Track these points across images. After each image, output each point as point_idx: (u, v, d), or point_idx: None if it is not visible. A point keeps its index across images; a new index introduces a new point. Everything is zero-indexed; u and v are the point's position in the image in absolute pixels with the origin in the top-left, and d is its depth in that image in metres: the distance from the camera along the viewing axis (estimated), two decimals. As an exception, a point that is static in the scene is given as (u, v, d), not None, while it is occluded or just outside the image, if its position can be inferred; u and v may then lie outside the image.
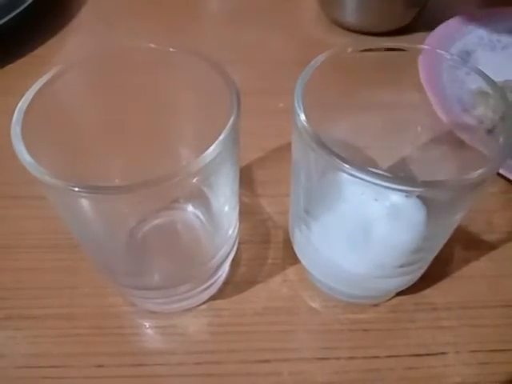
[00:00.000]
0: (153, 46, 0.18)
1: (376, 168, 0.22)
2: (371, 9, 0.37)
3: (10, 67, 0.36)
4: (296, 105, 0.17)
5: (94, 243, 0.19)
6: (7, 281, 0.23)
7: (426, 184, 0.14)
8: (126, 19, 0.41)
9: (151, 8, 0.42)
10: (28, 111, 0.16)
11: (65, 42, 0.39)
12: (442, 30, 0.34)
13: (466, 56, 0.33)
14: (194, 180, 0.15)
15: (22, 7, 0.35)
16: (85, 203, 0.16)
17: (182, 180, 0.15)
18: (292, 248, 0.23)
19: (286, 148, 0.30)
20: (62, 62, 0.38)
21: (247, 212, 0.26)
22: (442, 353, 0.21)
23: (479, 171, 0.15)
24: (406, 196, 0.17)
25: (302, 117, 0.16)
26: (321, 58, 0.18)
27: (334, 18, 0.40)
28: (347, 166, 0.15)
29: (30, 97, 0.16)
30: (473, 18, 0.36)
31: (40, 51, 0.37)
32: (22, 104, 0.16)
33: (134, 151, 0.20)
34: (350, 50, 0.19)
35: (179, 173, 0.14)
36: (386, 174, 0.14)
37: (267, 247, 0.25)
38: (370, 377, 0.21)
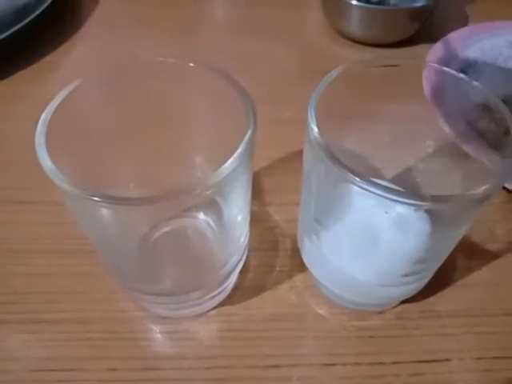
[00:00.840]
0: (172, 60, 0.18)
1: (382, 178, 0.22)
2: (376, 20, 0.38)
3: (21, 73, 0.36)
4: (309, 118, 0.17)
5: (108, 247, 0.20)
6: (20, 285, 0.24)
7: (434, 199, 0.15)
8: (132, 28, 0.42)
9: (157, 18, 0.43)
10: (50, 122, 0.17)
11: (74, 48, 0.40)
12: (444, 42, 0.35)
13: (468, 68, 0.34)
14: (210, 192, 0.16)
15: (32, 16, 0.36)
16: (104, 211, 0.17)
17: (199, 193, 0.15)
18: (299, 256, 0.23)
19: (293, 157, 0.31)
20: (71, 68, 0.39)
21: (255, 220, 0.26)
22: (447, 359, 0.22)
23: (485, 187, 0.15)
24: (415, 209, 0.18)
25: (315, 130, 0.17)
26: (334, 73, 0.18)
27: (338, 28, 0.41)
28: (359, 179, 0.15)
29: (53, 108, 0.17)
30: (475, 31, 0.36)
31: (50, 58, 0.38)
32: (46, 115, 0.17)
33: (149, 158, 0.21)
34: (358, 66, 0.20)
35: (198, 186, 0.15)
36: (396, 188, 0.15)
37: (275, 255, 0.25)
38: (375, 382, 0.21)
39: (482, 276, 0.25)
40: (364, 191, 0.15)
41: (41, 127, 0.17)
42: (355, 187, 0.16)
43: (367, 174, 0.15)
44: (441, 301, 0.24)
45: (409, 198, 0.15)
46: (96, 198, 0.15)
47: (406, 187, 0.20)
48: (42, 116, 0.17)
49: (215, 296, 0.22)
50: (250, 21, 0.43)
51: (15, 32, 0.35)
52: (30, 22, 0.36)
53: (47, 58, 0.38)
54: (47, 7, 0.37)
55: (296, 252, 0.24)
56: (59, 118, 0.17)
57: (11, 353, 0.22)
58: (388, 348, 0.22)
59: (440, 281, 0.23)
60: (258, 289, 0.24)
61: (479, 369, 0.22)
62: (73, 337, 0.22)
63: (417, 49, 0.39)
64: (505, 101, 0.19)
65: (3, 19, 0.35)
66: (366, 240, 0.20)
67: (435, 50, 0.34)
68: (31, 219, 0.26)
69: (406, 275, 0.20)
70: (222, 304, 0.23)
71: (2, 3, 0.35)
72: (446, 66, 0.21)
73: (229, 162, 0.15)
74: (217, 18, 0.45)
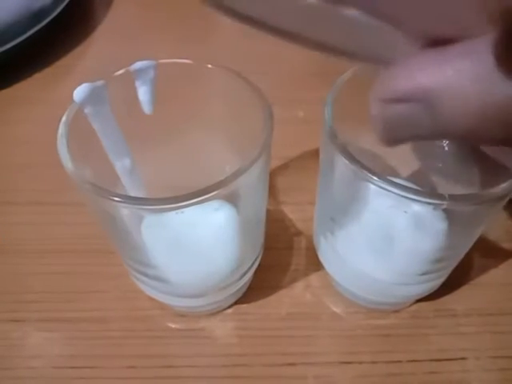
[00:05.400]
0: (189, 61, 0.19)
1: (398, 177, 0.22)
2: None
3: (35, 77, 0.37)
4: (326, 117, 0.17)
5: (127, 245, 0.20)
6: (40, 285, 0.24)
7: (453, 198, 0.15)
8: (145, 31, 0.42)
9: (170, 20, 0.43)
10: (71, 124, 0.17)
11: (87, 52, 0.40)
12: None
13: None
14: (226, 193, 0.16)
15: (47, 19, 0.37)
16: (124, 211, 0.17)
17: (216, 194, 0.15)
18: (315, 255, 0.23)
19: (307, 156, 0.31)
20: (85, 71, 0.39)
21: (270, 219, 0.26)
22: (462, 358, 0.22)
23: (502, 185, 0.15)
24: (433, 208, 0.18)
25: (332, 129, 0.17)
26: (350, 72, 0.19)
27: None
28: (377, 178, 0.15)
29: (74, 110, 0.17)
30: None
31: (64, 61, 0.39)
32: (67, 117, 0.17)
33: (166, 159, 0.21)
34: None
35: (215, 187, 0.15)
36: (414, 187, 0.15)
37: (291, 254, 0.25)
38: (392, 381, 0.21)
39: (497, 275, 0.25)
40: (381, 190, 0.15)
41: (62, 129, 0.17)
42: (372, 186, 0.16)
43: (384, 172, 0.16)
44: (456, 300, 0.24)
45: (428, 197, 0.15)
46: (116, 199, 0.16)
47: (422, 186, 0.20)
48: (63, 118, 0.17)
49: (231, 294, 0.23)
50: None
51: (30, 36, 0.35)
52: (44, 25, 0.36)
53: (61, 62, 0.38)
54: (61, 11, 0.38)
55: (311, 251, 0.24)
56: (79, 119, 0.17)
57: (33, 350, 0.22)
58: (404, 346, 0.22)
59: (456, 280, 0.23)
60: (274, 288, 0.24)
61: (495, 368, 0.22)
62: (92, 335, 0.23)
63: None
64: None
65: (19, 23, 0.35)
66: (383, 239, 0.20)
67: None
68: (49, 220, 0.27)
69: (423, 274, 0.20)
70: (238, 302, 0.24)
71: (18, 7, 0.36)
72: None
73: (246, 163, 0.15)
74: (228, 21, 0.45)
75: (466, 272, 0.25)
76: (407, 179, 0.22)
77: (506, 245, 0.26)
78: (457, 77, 0.08)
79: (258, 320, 0.23)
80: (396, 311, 0.23)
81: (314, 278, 0.24)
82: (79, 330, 0.23)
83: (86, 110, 0.17)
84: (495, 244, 0.26)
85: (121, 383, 0.21)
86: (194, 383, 0.22)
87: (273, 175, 0.29)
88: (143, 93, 0.19)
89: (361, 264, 0.20)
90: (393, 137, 0.10)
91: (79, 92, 0.17)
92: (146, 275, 0.21)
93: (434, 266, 0.19)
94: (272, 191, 0.28)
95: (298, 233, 0.26)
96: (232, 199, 0.19)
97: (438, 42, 0.09)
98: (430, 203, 0.15)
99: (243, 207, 0.19)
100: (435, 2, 0.09)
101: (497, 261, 0.25)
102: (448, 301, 0.24)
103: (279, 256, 0.25)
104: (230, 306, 0.24)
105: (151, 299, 0.23)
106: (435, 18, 0.09)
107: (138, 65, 0.19)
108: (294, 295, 0.24)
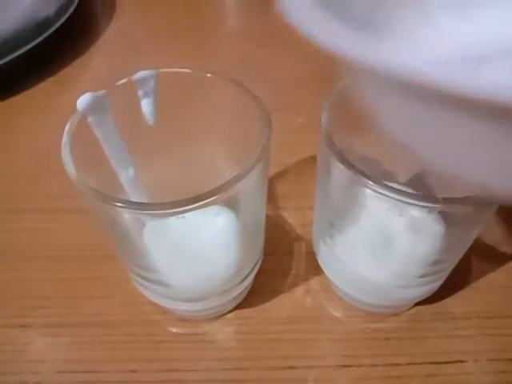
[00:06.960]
0: (189, 70, 0.19)
1: (395, 182, 0.23)
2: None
3: (40, 85, 0.38)
4: (323, 123, 0.18)
5: (129, 250, 0.21)
6: (44, 290, 0.25)
7: (447, 201, 0.15)
8: (147, 40, 0.43)
9: (171, 31, 0.44)
10: (74, 132, 0.18)
11: (91, 61, 0.41)
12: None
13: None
14: (225, 199, 0.17)
15: (52, 29, 0.37)
16: (126, 216, 0.18)
17: (215, 200, 0.16)
18: (315, 259, 0.24)
19: (306, 162, 0.32)
20: (89, 80, 0.40)
21: (270, 224, 0.27)
22: (461, 361, 0.22)
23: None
24: (428, 212, 0.18)
25: (329, 134, 0.17)
26: (348, 78, 0.19)
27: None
28: (372, 183, 0.16)
29: (77, 118, 0.18)
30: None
31: (68, 70, 0.39)
32: (70, 126, 0.18)
33: (165, 166, 0.22)
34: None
35: (213, 193, 0.16)
36: (409, 191, 0.15)
37: (291, 258, 0.26)
38: (391, 383, 0.22)
39: (496, 278, 0.25)
40: (378, 195, 0.16)
41: (66, 137, 0.17)
42: (369, 191, 0.16)
43: (381, 177, 0.16)
44: (455, 303, 0.24)
45: (422, 201, 0.15)
46: (119, 204, 0.16)
47: (420, 190, 0.21)
48: (67, 126, 0.18)
49: (232, 299, 0.23)
50: (262, 29, 0.43)
51: (35, 46, 0.36)
52: (48, 36, 0.37)
53: (64, 71, 0.39)
54: (65, 22, 0.39)
55: (311, 255, 0.24)
56: (82, 128, 0.18)
57: (37, 355, 0.22)
58: (403, 350, 0.22)
59: (454, 283, 0.24)
60: (274, 292, 0.24)
61: (494, 370, 0.22)
62: (95, 340, 0.23)
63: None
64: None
65: (24, 33, 0.36)
66: (381, 243, 0.20)
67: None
68: (54, 227, 0.27)
69: (422, 276, 0.20)
70: (239, 307, 0.24)
71: (23, 18, 0.36)
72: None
73: (244, 169, 0.16)
74: (230, 27, 0.46)
75: (464, 275, 0.25)
76: (404, 184, 0.23)
77: (504, 248, 0.26)
78: None
79: (259, 324, 0.23)
80: (395, 315, 0.24)
81: (314, 282, 0.25)
82: (83, 334, 0.23)
83: (89, 119, 0.18)
84: (494, 247, 0.26)
85: (124, 387, 0.22)
86: (195, 387, 0.22)
87: (272, 181, 0.29)
88: (145, 104, 0.20)
89: (360, 267, 0.21)
90: None
91: (82, 101, 0.18)
92: (148, 280, 0.21)
93: (432, 268, 0.20)
94: (271, 197, 0.29)
95: (298, 238, 0.27)
96: (232, 204, 0.19)
97: None
98: (424, 206, 0.15)
99: (243, 212, 0.19)
100: None
101: (495, 264, 0.25)
102: (447, 304, 0.24)
103: (279, 260, 0.26)
104: (231, 311, 0.24)
105: (153, 304, 0.24)
106: None
107: (140, 74, 0.19)
108: (295, 299, 0.24)
